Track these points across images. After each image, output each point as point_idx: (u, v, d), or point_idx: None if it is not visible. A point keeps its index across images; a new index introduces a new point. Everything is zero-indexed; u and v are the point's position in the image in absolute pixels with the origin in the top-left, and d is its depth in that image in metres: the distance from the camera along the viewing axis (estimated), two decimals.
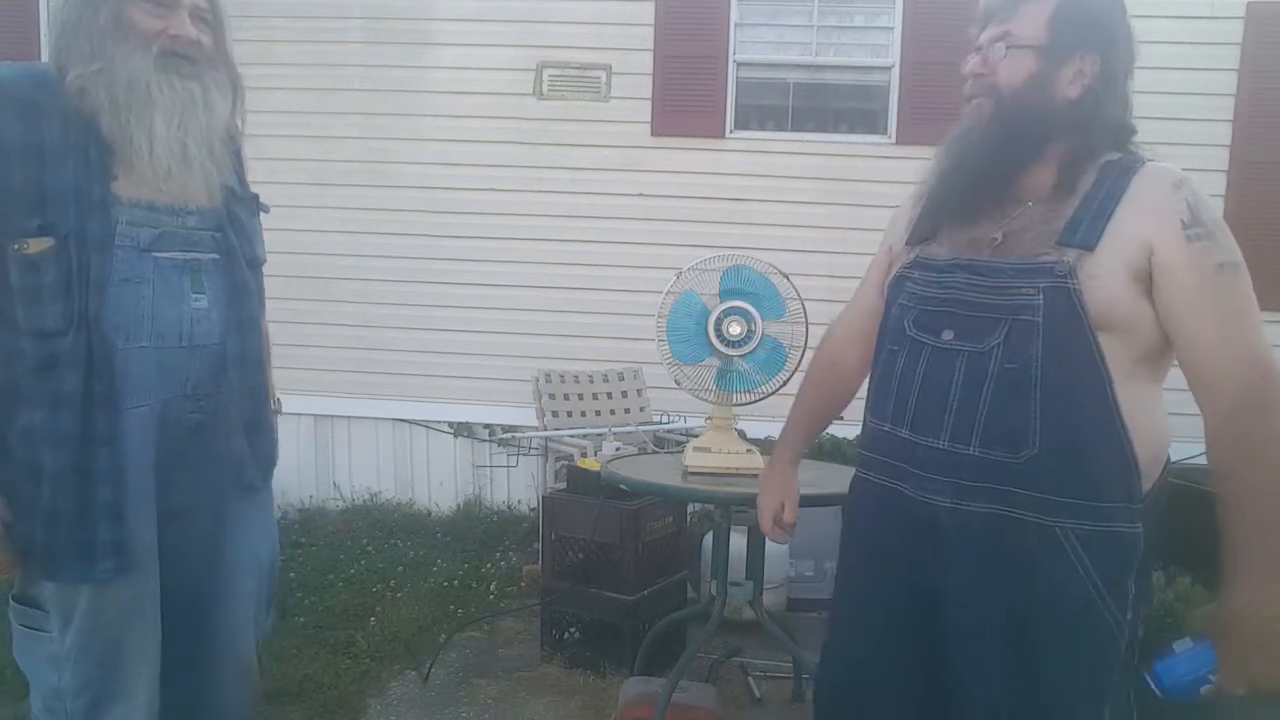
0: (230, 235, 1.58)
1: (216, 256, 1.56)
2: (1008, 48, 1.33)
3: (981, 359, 1.30)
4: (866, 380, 1.55)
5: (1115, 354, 1.25)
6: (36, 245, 1.36)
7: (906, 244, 1.48)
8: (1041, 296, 1.26)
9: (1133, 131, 1.36)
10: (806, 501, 2.17)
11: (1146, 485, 1.28)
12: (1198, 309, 1.23)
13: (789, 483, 1.75)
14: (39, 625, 1.48)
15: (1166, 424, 1.32)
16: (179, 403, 1.52)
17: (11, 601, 1.51)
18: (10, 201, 1.35)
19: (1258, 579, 1.17)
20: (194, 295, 1.52)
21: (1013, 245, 1.32)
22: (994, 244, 1.34)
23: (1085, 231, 1.26)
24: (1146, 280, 1.25)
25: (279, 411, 1.84)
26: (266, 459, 1.71)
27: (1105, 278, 1.24)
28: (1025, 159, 1.33)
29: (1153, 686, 1.22)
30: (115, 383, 1.41)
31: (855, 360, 1.62)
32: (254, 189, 1.72)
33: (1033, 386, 1.26)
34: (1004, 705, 1.30)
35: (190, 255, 1.52)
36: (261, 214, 1.70)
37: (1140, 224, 1.25)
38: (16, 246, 1.36)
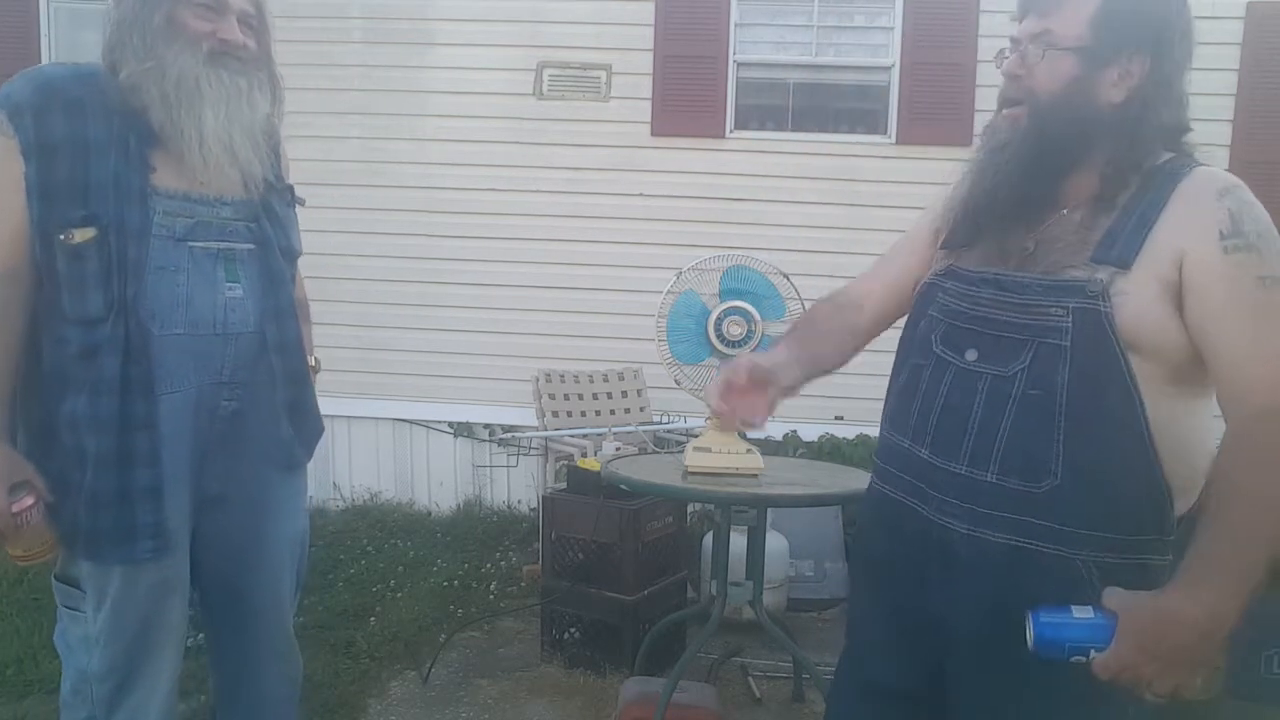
0: (265, 225, 1.63)
1: (252, 246, 1.61)
2: (1046, 49, 1.23)
3: (1004, 383, 1.23)
4: (887, 386, 1.47)
5: (1148, 375, 1.17)
6: (81, 235, 1.43)
7: (942, 247, 1.41)
8: (1070, 319, 1.18)
9: (1186, 130, 1.27)
10: (807, 501, 2.18)
11: (1183, 508, 1.21)
12: (1227, 323, 1.14)
13: (748, 359, 1.50)
14: (77, 605, 1.55)
15: (1206, 437, 1.24)
16: (214, 390, 1.58)
17: (53, 580, 1.59)
18: (58, 194, 1.43)
19: (1219, 585, 1.09)
20: (228, 284, 1.57)
21: (1041, 256, 1.25)
22: (1025, 254, 1.26)
23: (1122, 247, 1.18)
24: (1177, 293, 1.16)
25: (317, 370, 1.88)
26: (311, 437, 1.77)
27: (1137, 296, 1.16)
28: (1063, 170, 1.25)
29: (1027, 630, 1.15)
30: (152, 368, 1.48)
31: (873, 308, 1.53)
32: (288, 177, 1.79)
33: (1056, 414, 1.19)
34: None
35: (225, 245, 1.58)
36: (298, 206, 1.77)
37: (1176, 234, 1.16)
38: (63, 236, 1.43)
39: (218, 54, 1.50)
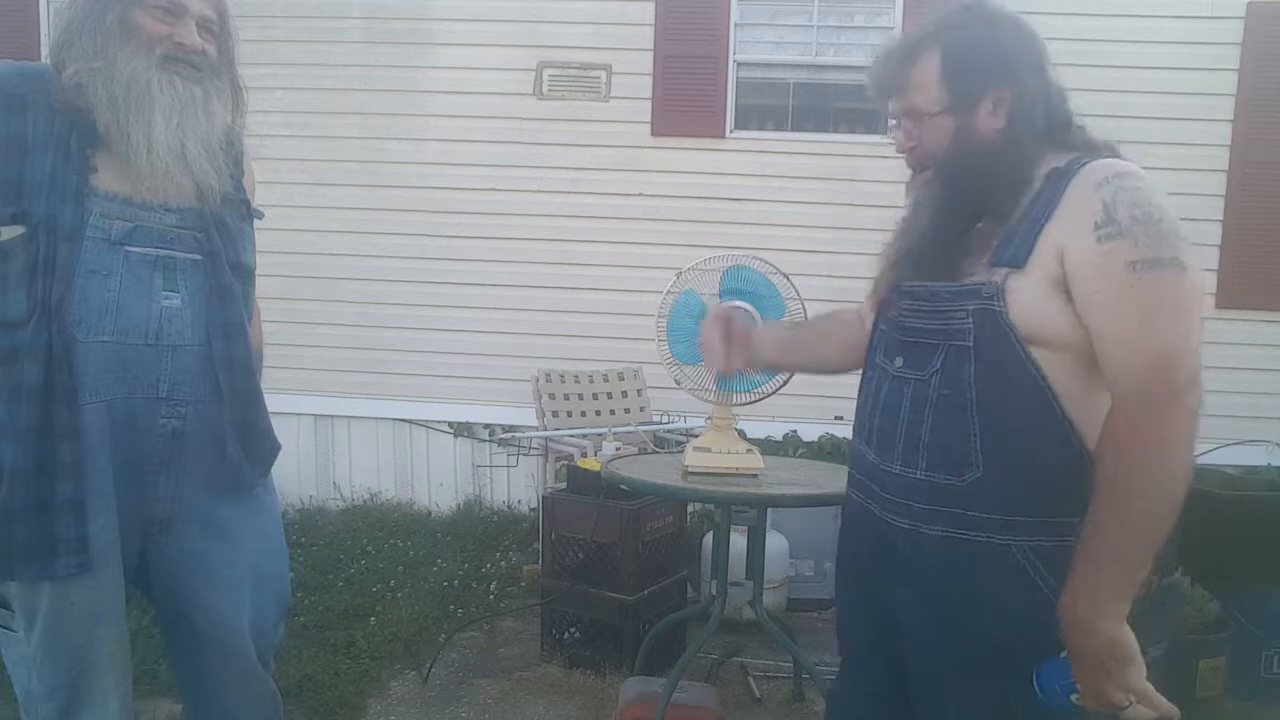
0: (214, 237, 1.54)
1: (197, 257, 1.53)
2: (920, 119, 1.34)
3: (923, 386, 1.32)
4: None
5: (1058, 367, 1.22)
6: (8, 233, 1.36)
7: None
8: (971, 320, 1.25)
9: (1067, 123, 1.32)
10: (807, 501, 2.19)
11: None
12: (1099, 309, 1.18)
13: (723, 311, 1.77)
14: (7, 624, 1.47)
15: None
16: (149, 405, 1.49)
17: None
18: None
19: (1102, 585, 1.13)
20: (165, 293, 1.49)
21: (954, 266, 1.31)
22: (946, 268, 1.32)
23: (1015, 248, 1.23)
24: (1065, 287, 1.21)
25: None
26: (263, 458, 1.66)
27: (1029, 292, 1.21)
28: (979, 202, 1.31)
29: (1035, 689, 1.20)
30: (75, 375, 1.39)
31: (859, 337, 1.60)
32: (252, 193, 1.71)
33: (968, 411, 1.26)
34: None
35: (165, 252, 1.49)
36: (255, 220, 1.68)
37: (1059, 230, 1.21)
38: None
39: (172, 58, 1.44)
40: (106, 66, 1.40)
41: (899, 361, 1.38)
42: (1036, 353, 1.22)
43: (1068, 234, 1.20)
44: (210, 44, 1.51)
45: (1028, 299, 1.21)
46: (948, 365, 1.29)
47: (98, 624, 1.48)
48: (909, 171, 1.44)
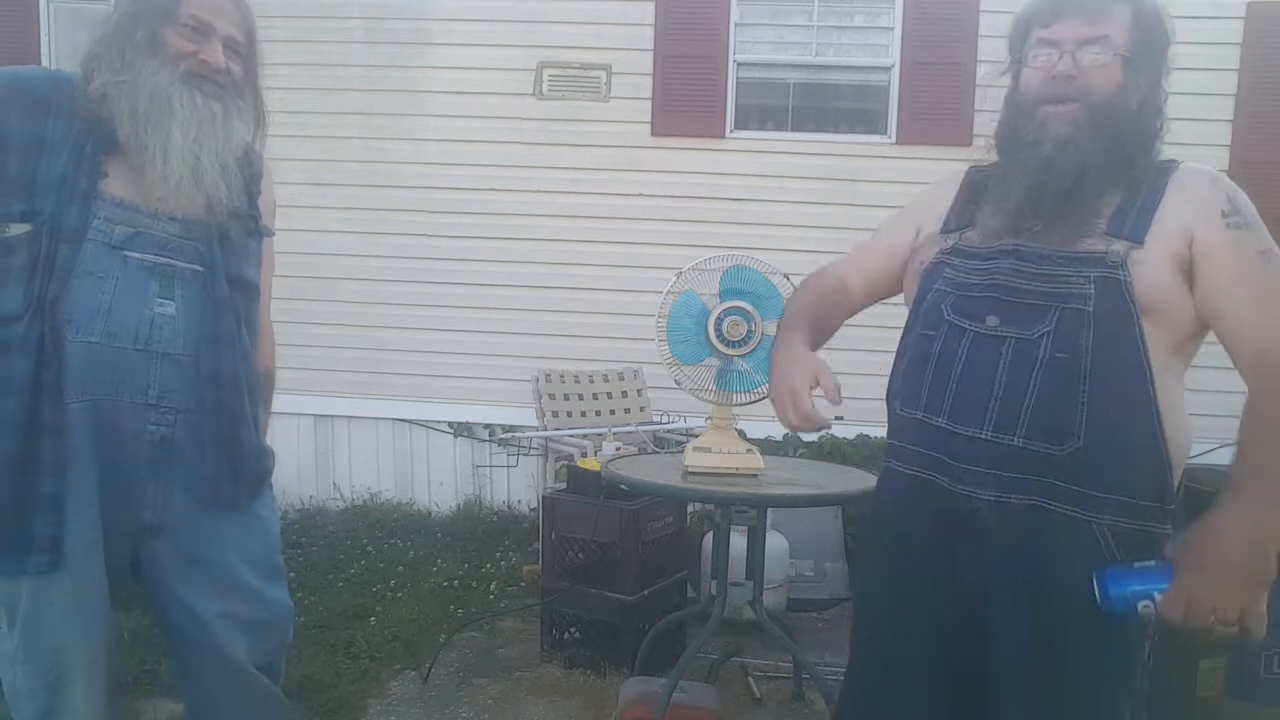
0: (216, 250, 1.56)
1: (198, 268, 1.55)
2: (1113, 54, 1.32)
3: (1029, 347, 1.30)
4: (893, 364, 1.50)
5: (1156, 344, 1.26)
6: (16, 229, 1.40)
7: (943, 231, 1.46)
8: (1093, 286, 1.27)
9: (1158, 135, 1.38)
10: (807, 501, 2.19)
11: (1175, 481, 1.29)
12: (1237, 290, 1.25)
13: (811, 356, 1.47)
14: None
15: (1187, 418, 1.32)
16: (136, 410, 1.49)
17: None
18: (2, 187, 1.41)
19: (1255, 502, 1.18)
20: (159, 300, 1.50)
21: (1049, 232, 1.32)
22: (1033, 230, 1.33)
23: (1133, 224, 1.28)
24: (1188, 268, 1.27)
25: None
26: (251, 476, 1.64)
27: (1152, 268, 1.26)
28: (1115, 165, 1.32)
29: (1096, 593, 1.22)
30: (63, 373, 1.41)
31: (858, 289, 1.60)
32: (271, 214, 1.72)
33: (1082, 377, 1.26)
34: (1036, 700, 1.30)
35: (165, 260, 1.51)
36: (265, 238, 1.69)
37: (1183, 215, 1.28)
38: None
39: (194, 75, 1.48)
40: (132, 79, 1.45)
41: (993, 320, 1.34)
42: (1147, 328, 1.26)
43: (1196, 219, 1.27)
44: (236, 64, 1.54)
45: (1152, 272, 1.26)
46: (1062, 327, 1.28)
47: (77, 624, 1.48)
48: (1038, 102, 1.35)
